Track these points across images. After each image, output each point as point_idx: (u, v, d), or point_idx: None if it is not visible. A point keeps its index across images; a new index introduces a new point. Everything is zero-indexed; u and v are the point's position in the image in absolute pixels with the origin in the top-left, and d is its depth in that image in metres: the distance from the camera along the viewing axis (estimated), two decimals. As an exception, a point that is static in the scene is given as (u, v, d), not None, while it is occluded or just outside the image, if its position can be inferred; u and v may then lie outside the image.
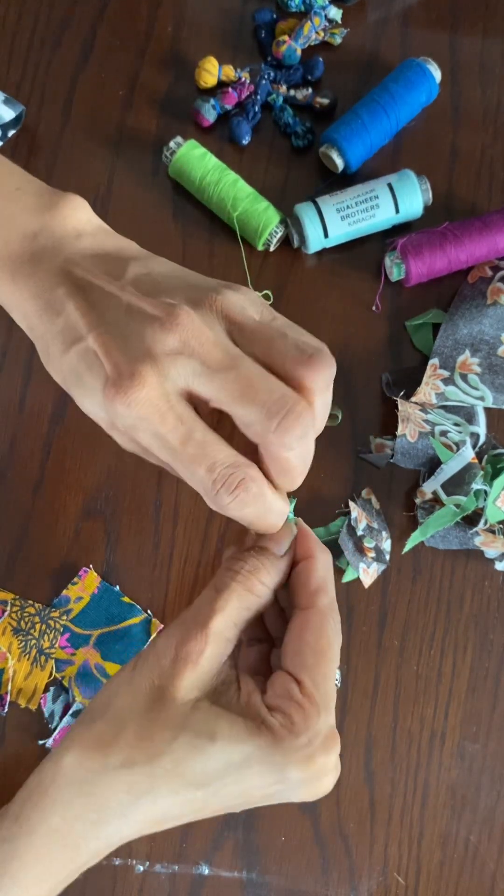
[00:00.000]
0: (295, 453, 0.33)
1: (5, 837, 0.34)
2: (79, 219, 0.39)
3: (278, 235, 0.56)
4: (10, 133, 0.58)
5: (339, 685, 0.36)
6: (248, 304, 0.35)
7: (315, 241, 0.55)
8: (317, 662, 0.35)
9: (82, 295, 0.36)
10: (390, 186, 0.54)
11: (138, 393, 0.32)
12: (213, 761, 0.33)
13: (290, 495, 0.37)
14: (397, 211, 0.55)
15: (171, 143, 0.56)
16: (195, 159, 0.55)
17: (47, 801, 0.33)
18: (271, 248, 0.56)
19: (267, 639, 0.39)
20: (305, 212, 0.54)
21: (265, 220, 0.55)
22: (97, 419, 0.36)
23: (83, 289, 0.37)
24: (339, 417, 0.47)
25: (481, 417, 0.55)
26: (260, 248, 0.56)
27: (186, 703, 0.33)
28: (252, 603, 0.35)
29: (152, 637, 0.36)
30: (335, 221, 0.54)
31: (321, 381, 0.33)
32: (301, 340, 0.34)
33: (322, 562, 0.37)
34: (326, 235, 0.54)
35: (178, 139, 0.56)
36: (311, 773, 0.33)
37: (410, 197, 0.54)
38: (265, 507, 0.34)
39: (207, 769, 0.33)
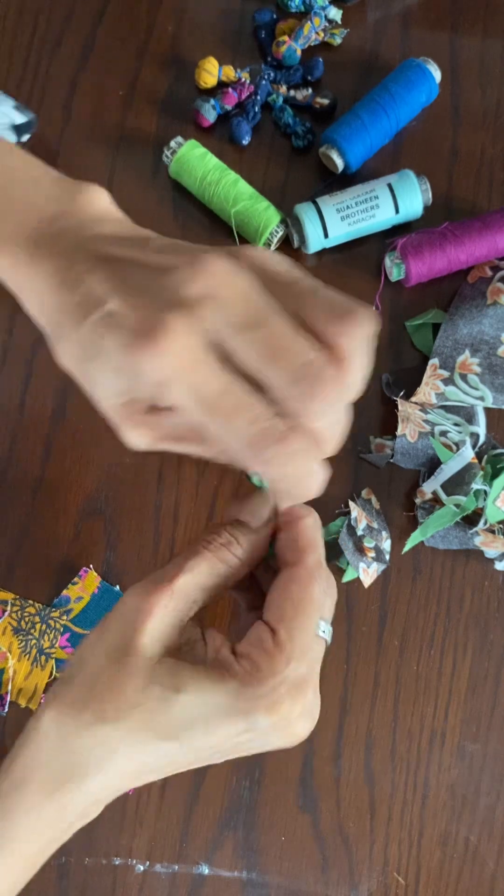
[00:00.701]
0: (323, 423, 0.31)
1: None
2: (99, 207, 0.38)
3: (279, 235, 0.56)
4: (25, 137, 0.58)
5: (328, 641, 0.37)
6: (280, 259, 0.34)
7: (315, 241, 0.55)
8: (295, 615, 0.35)
9: (104, 266, 0.35)
10: (390, 187, 0.54)
11: (170, 341, 0.30)
12: (180, 712, 0.33)
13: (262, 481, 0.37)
14: (397, 211, 0.55)
15: (172, 143, 0.56)
16: (196, 159, 0.56)
17: (28, 760, 0.34)
18: (272, 248, 0.56)
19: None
20: (305, 212, 0.54)
21: (265, 220, 0.55)
22: (111, 404, 0.34)
23: (105, 261, 0.35)
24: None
25: (481, 417, 0.55)
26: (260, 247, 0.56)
27: (151, 657, 0.34)
28: (221, 570, 0.36)
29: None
30: (335, 221, 0.54)
31: (355, 341, 0.31)
32: (336, 298, 0.32)
33: (311, 522, 0.37)
34: (326, 235, 0.55)
35: (179, 139, 0.56)
36: (279, 717, 0.34)
37: (410, 197, 0.55)
38: (308, 467, 0.31)
39: (174, 721, 0.33)
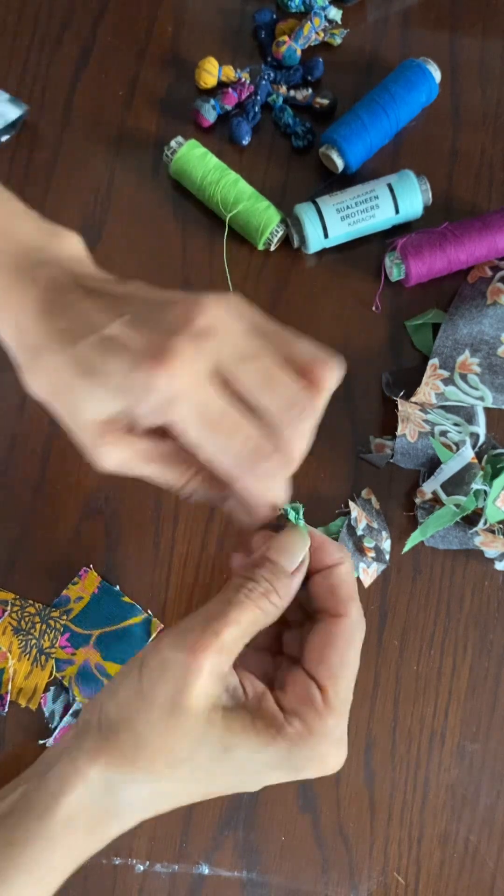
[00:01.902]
0: (301, 443, 0.36)
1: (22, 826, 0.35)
2: (78, 249, 0.40)
3: (279, 235, 0.56)
4: (4, 138, 0.58)
5: None
6: (255, 311, 0.37)
7: (315, 241, 0.55)
8: (343, 672, 0.35)
9: (97, 298, 0.37)
10: (390, 187, 0.54)
11: (180, 362, 0.33)
12: (229, 766, 0.34)
13: (299, 501, 0.38)
14: (397, 211, 0.55)
15: (172, 143, 0.56)
16: (196, 159, 0.56)
17: (74, 804, 0.34)
18: (272, 248, 0.56)
19: (268, 645, 0.40)
20: (305, 212, 0.54)
21: (266, 220, 0.55)
22: (89, 423, 0.36)
23: (98, 293, 0.37)
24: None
25: (481, 417, 0.55)
26: (261, 247, 0.56)
27: (201, 712, 0.34)
28: (263, 621, 0.36)
29: (153, 639, 0.36)
30: (335, 222, 0.54)
31: (333, 382, 0.37)
32: (313, 346, 0.37)
33: (349, 568, 0.37)
34: (326, 236, 0.55)
35: (179, 139, 0.56)
36: (321, 769, 0.35)
37: (410, 197, 0.55)
38: (282, 482, 0.36)
39: (223, 773, 0.34)
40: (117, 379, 0.34)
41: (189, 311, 0.35)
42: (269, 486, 0.36)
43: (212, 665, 0.34)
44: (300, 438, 0.36)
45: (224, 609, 0.35)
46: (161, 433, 0.38)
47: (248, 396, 0.35)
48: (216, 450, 0.35)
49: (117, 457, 0.37)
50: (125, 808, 0.34)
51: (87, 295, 0.38)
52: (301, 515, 0.38)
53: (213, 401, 0.34)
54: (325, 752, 0.34)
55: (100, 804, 0.34)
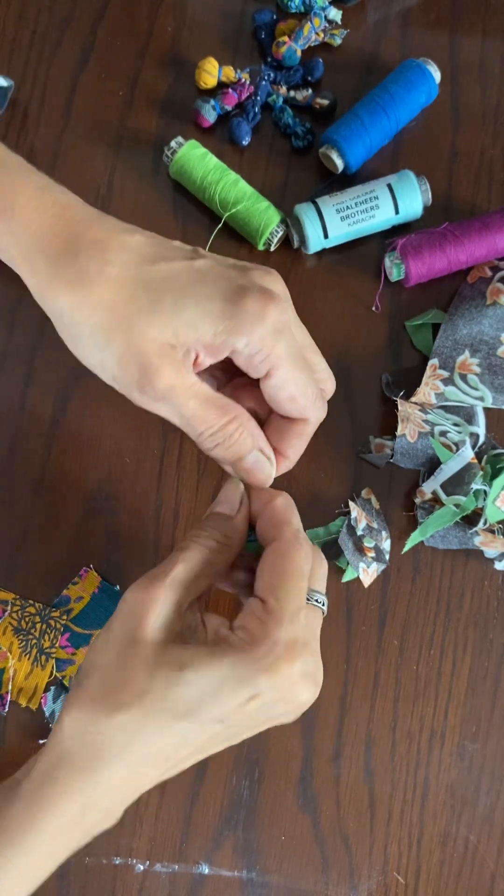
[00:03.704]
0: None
1: (21, 797, 0.36)
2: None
3: (279, 235, 0.56)
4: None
5: (324, 609, 0.40)
6: None
7: (315, 241, 0.55)
8: (280, 581, 0.37)
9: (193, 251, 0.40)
10: (390, 187, 0.54)
11: (285, 304, 0.38)
12: (187, 690, 0.35)
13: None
14: (397, 212, 0.55)
15: (173, 143, 0.56)
16: (196, 159, 0.56)
17: (51, 758, 0.36)
18: (272, 248, 0.56)
19: None
20: (305, 212, 0.54)
21: (266, 220, 0.55)
22: (159, 345, 0.37)
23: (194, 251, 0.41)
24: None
25: (481, 418, 0.55)
26: (261, 247, 0.56)
27: (156, 644, 0.36)
28: (209, 557, 0.39)
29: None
30: (335, 222, 0.54)
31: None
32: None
33: (282, 501, 0.41)
34: (326, 236, 0.55)
35: (179, 139, 0.56)
36: (279, 678, 0.35)
37: (410, 197, 0.55)
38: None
39: (185, 697, 0.35)
40: (219, 305, 0.37)
41: (275, 276, 0.40)
42: (317, 420, 0.42)
43: (165, 598, 0.37)
44: (316, 421, 0.42)
45: (175, 555, 0.39)
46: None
47: (306, 352, 0.41)
48: (299, 386, 0.40)
49: (170, 381, 0.38)
50: (102, 753, 0.35)
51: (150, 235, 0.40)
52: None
53: (296, 345, 0.40)
54: (272, 656, 0.35)
55: (77, 752, 0.35)
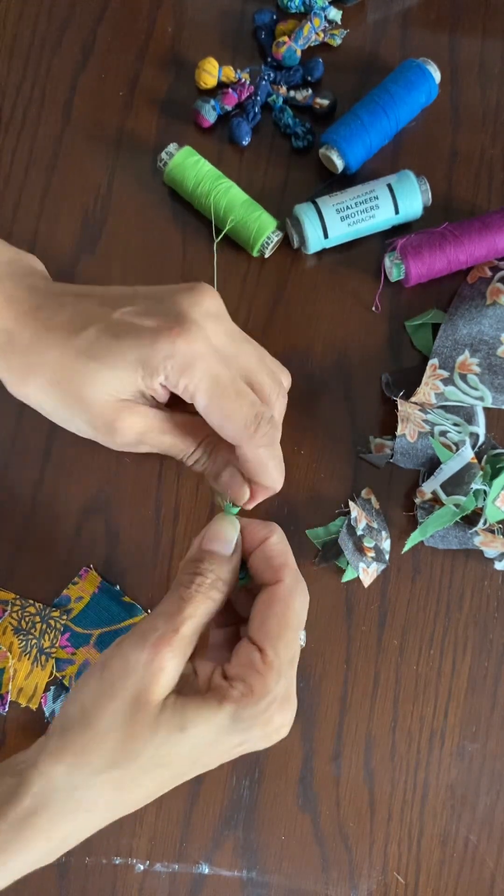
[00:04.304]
0: (282, 414, 0.43)
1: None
2: (40, 267, 0.45)
3: (273, 242, 0.56)
4: None
5: (303, 644, 0.41)
6: None
7: (315, 241, 0.55)
8: (280, 633, 0.37)
9: (88, 296, 0.41)
10: (390, 187, 0.54)
11: (196, 331, 0.38)
12: (186, 745, 0.35)
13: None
14: (397, 212, 0.55)
15: (163, 154, 0.56)
16: (189, 167, 0.55)
17: (38, 799, 0.35)
18: (266, 255, 0.56)
19: (234, 621, 0.42)
20: (305, 212, 0.54)
21: (258, 228, 0.55)
22: (108, 400, 0.38)
23: (85, 294, 0.41)
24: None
25: (480, 417, 0.55)
26: (255, 254, 0.56)
27: (158, 703, 0.35)
28: (212, 609, 0.38)
29: (114, 643, 0.38)
30: (335, 222, 0.54)
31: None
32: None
33: (277, 539, 0.40)
34: (326, 236, 0.55)
35: (172, 148, 0.56)
36: (271, 729, 0.37)
37: (410, 197, 0.55)
38: (277, 449, 0.42)
39: (182, 752, 0.35)
40: (135, 354, 0.38)
41: (195, 295, 0.39)
42: (269, 451, 0.41)
43: (172, 661, 0.36)
44: (282, 410, 0.42)
45: (180, 605, 0.37)
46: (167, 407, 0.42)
47: (247, 372, 0.40)
48: (226, 414, 0.39)
49: (136, 428, 0.40)
50: (90, 805, 0.35)
51: (79, 296, 0.41)
52: (233, 508, 0.42)
53: (222, 370, 0.39)
54: (269, 710, 0.36)
55: (63, 802, 0.35)
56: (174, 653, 0.36)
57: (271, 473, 0.41)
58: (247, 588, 0.42)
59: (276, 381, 0.42)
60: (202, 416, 0.40)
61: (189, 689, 0.37)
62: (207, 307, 0.39)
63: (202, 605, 0.37)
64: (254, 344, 0.42)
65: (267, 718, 0.36)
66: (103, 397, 0.39)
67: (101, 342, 0.38)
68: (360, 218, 0.55)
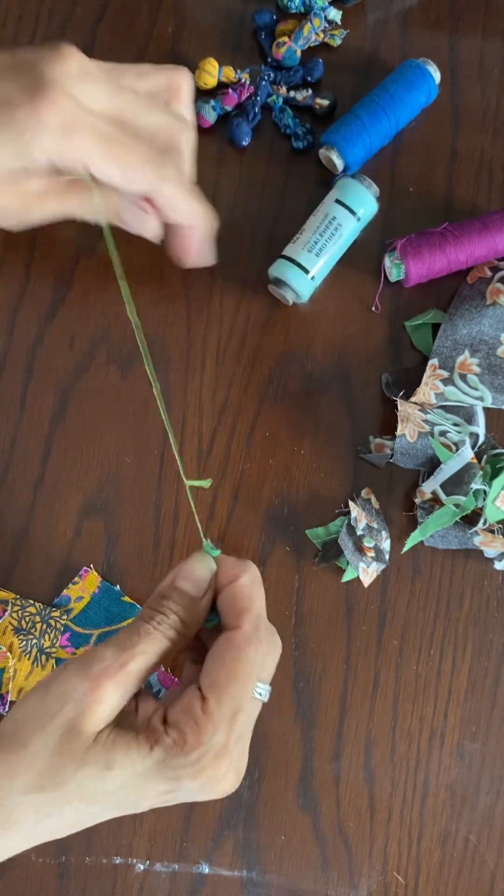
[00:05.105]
0: (191, 153, 0.42)
1: None
2: None
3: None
4: None
5: (265, 700, 0.38)
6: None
7: (305, 290, 0.54)
8: (227, 683, 0.35)
9: None
10: (339, 202, 0.54)
11: (61, 94, 0.35)
12: (111, 784, 0.34)
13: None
14: (358, 218, 0.55)
15: None
16: None
17: None
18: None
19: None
20: (282, 271, 0.54)
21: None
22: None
23: None
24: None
25: (480, 417, 0.55)
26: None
27: (91, 735, 0.35)
28: (167, 648, 0.37)
29: (63, 664, 0.37)
30: (312, 261, 0.54)
31: (190, 82, 0.45)
32: (155, 66, 0.43)
33: (247, 580, 0.38)
34: (313, 278, 0.54)
35: None
36: (203, 782, 0.35)
37: (360, 199, 0.54)
38: (191, 195, 0.41)
39: (106, 790, 0.34)
40: (10, 131, 0.34)
41: (53, 54, 0.36)
42: (181, 195, 0.39)
43: (113, 695, 0.35)
44: (188, 150, 0.41)
45: (134, 640, 0.36)
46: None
47: (132, 122, 0.38)
48: (124, 165, 0.37)
49: (15, 198, 0.39)
50: (11, 824, 0.35)
51: None
52: (211, 545, 0.39)
53: (104, 127, 0.36)
54: (201, 762, 0.34)
55: None
56: (116, 687, 0.35)
57: (185, 207, 0.40)
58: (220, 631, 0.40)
59: (173, 115, 0.40)
60: (99, 180, 0.38)
61: (128, 724, 0.36)
62: (68, 68, 0.36)
63: (157, 643, 0.36)
64: (132, 88, 0.39)
65: (197, 771, 0.34)
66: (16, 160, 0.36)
67: None
68: (331, 243, 0.54)
